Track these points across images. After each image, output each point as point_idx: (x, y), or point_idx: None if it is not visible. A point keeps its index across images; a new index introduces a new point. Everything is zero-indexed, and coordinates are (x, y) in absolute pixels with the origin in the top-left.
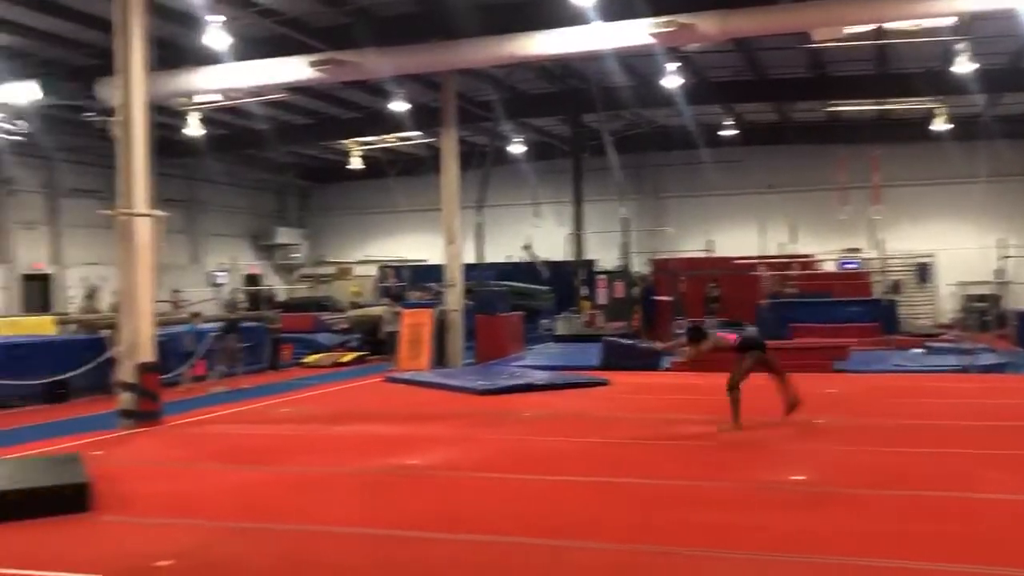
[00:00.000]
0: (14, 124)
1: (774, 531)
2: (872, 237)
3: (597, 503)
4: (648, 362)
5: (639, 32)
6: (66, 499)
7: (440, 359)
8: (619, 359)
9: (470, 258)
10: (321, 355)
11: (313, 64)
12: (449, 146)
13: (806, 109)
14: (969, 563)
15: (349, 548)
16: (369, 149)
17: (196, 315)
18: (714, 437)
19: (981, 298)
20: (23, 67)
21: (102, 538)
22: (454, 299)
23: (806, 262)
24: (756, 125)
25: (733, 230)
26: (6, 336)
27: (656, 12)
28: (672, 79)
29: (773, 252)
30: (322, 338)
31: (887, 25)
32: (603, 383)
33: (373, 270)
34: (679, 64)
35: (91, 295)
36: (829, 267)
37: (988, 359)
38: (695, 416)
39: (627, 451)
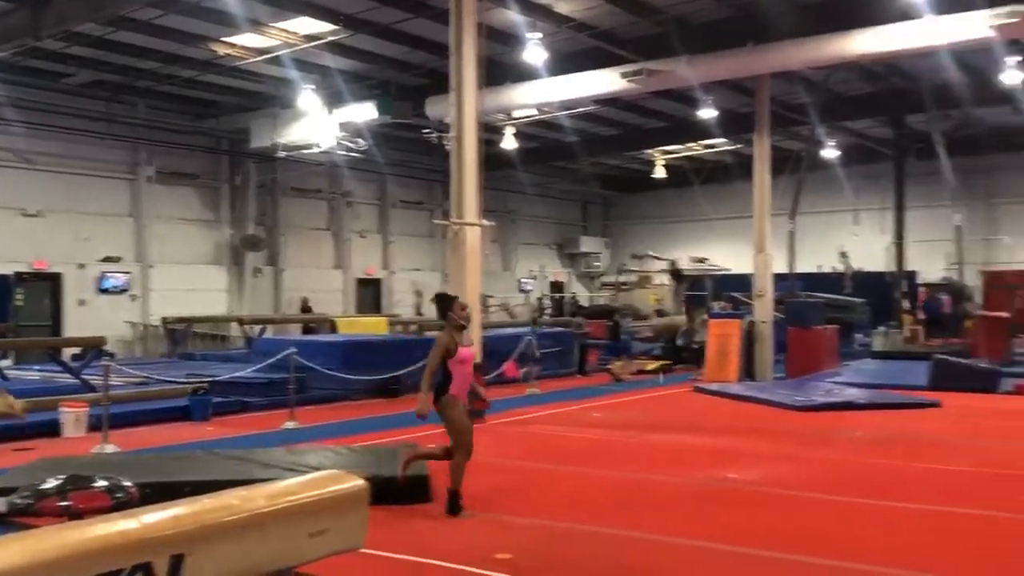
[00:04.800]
0: (353, 142)
1: None
2: None
3: (944, 536)
4: (986, 384)
5: (977, 25)
6: (410, 489)
7: (748, 372)
8: (951, 379)
9: (779, 267)
10: (625, 362)
11: (625, 75)
12: (762, 152)
13: None
14: None
15: (685, 560)
16: (673, 158)
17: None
18: None
19: None
20: (361, 89)
21: (445, 529)
22: (764, 310)
23: None
24: None
25: None
26: (347, 335)
27: (995, 2)
28: (1013, 74)
29: None
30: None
31: None
32: (934, 405)
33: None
34: (1021, 58)
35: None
36: None
37: None
38: None
39: (971, 481)
